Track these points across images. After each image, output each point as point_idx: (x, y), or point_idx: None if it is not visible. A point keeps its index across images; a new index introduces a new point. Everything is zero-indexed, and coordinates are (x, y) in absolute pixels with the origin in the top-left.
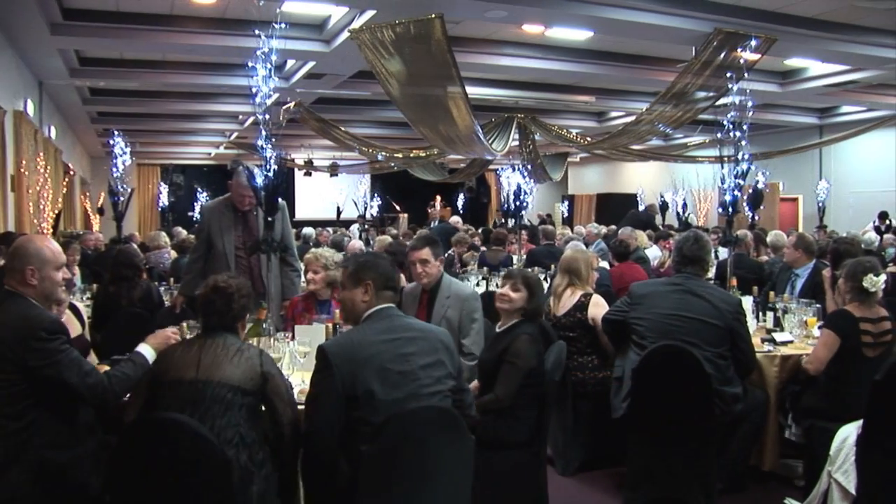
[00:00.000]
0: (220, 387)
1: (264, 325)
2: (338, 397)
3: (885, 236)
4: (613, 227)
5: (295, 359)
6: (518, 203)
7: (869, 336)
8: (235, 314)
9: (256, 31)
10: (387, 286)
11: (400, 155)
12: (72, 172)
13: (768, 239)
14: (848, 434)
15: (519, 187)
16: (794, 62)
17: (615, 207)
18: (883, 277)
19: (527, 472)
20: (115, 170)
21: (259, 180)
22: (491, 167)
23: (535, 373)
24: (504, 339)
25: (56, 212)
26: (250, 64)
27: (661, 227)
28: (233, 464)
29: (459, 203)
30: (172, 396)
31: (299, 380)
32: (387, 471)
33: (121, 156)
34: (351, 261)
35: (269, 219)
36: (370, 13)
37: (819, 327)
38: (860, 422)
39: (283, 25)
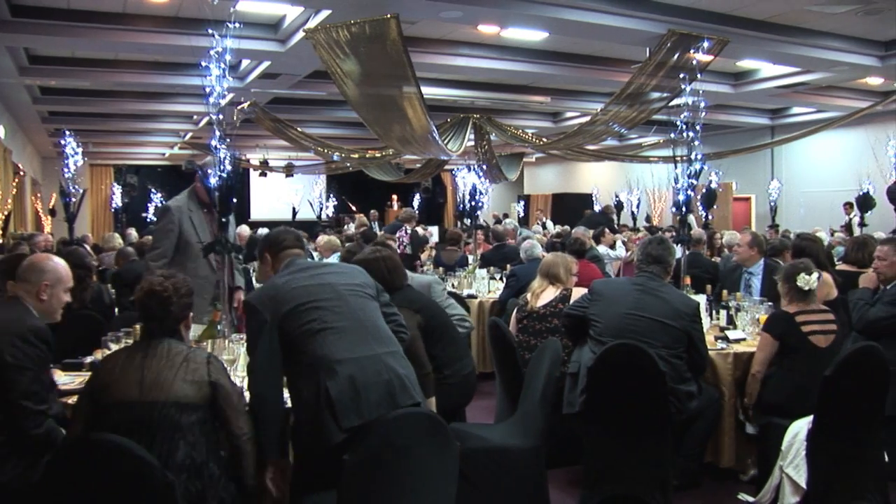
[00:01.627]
0: (167, 407)
1: (218, 328)
2: (272, 335)
3: (836, 234)
4: (567, 227)
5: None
6: (473, 203)
7: (814, 325)
8: (176, 317)
9: (210, 31)
10: (281, 248)
11: (356, 155)
12: (22, 173)
13: (724, 238)
14: (799, 429)
15: (474, 187)
16: (745, 64)
17: (571, 207)
18: (815, 276)
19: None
20: (66, 170)
21: (213, 181)
22: (447, 167)
23: None
24: None
25: (5, 213)
26: (204, 63)
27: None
28: (176, 489)
29: (416, 203)
30: (116, 420)
31: None
32: (369, 479)
33: (72, 156)
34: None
35: (224, 219)
36: (325, 13)
37: None
38: (811, 417)
39: (237, 25)
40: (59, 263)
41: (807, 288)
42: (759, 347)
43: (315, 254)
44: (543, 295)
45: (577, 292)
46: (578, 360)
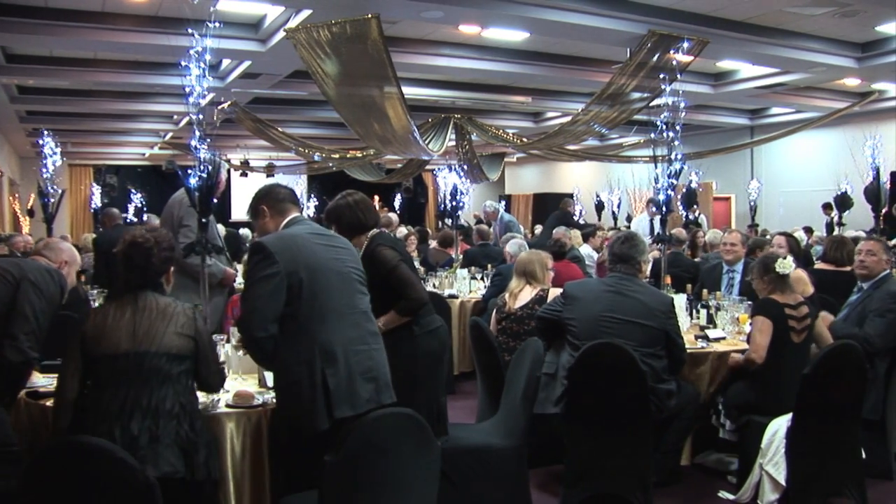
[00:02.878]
0: (158, 357)
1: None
2: (281, 281)
3: (815, 233)
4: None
5: (230, 359)
6: (455, 203)
7: (794, 321)
8: (157, 268)
9: (190, 30)
10: (279, 199)
11: (337, 155)
12: None
13: (707, 237)
14: (779, 427)
15: (455, 187)
16: (725, 64)
17: (552, 207)
18: (791, 259)
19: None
20: (45, 170)
21: (192, 181)
22: (428, 167)
23: None
24: None
25: None
26: (184, 63)
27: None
28: (156, 488)
29: (397, 203)
30: (108, 371)
31: (236, 381)
32: (350, 479)
33: (51, 156)
34: None
35: (204, 220)
36: (306, 13)
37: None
38: (790, 415)
39: (217, 24)
40: (72, 247)
41: (786, 271)
42: (758, 331)
43: None
44: (521, 295)
45: (554, 293)
46: (555, 361)
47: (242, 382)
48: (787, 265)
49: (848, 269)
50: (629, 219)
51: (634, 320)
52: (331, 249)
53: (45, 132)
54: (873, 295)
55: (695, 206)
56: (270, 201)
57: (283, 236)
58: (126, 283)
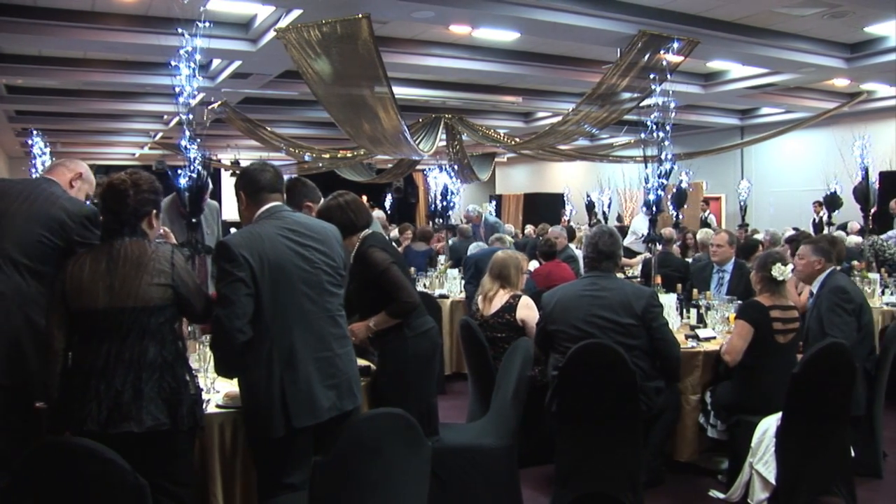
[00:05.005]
0: (136, 312)
1: (189, 328)
2: (247, 282)
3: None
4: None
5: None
6: (445, 203)
7: (779, 323)
8: (134, 210)
9: (180, 30)
10: (258, 188)
11: (327, 155)
12: None
13: (698, 236)
14: (768, 426)
15: (446, 187)
16: (715, 65)
17: (543, 207)
18: (790, 266)
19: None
20: (34, 170)
21: (182, 181)
22: (419, 167)
23: None
24: None
25: None
26: (174, 63)
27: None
28: (146, 488)
29: (387, 203)
30: (88, 326)
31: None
32: (340, 479)
33: (40, 156)
34: None
35: (193, 220)
36: (296, 12)
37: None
38: (779, 414)
39: (207, 24)
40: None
41: (781, 278)
42: (737, 334)
43: None
44: (494, 300)
45: (525, 302)
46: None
47: (232, 383)
48: (785, 272)
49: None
50: (619, 219)
51: (616, 319)
52: (302, 248)
53: (35, 132)
54: (822, 295)
55: (705, 206)
56: (248, 188)
57: (249, 235)
58: (105, 229)
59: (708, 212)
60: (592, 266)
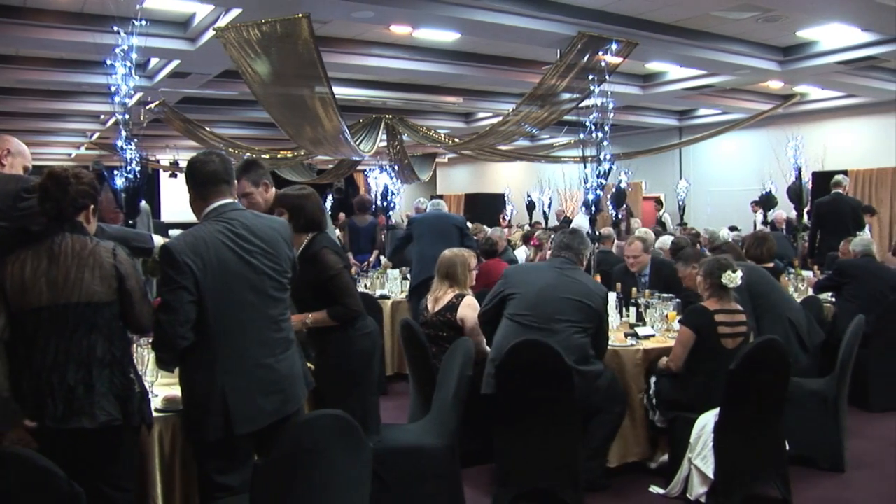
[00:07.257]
0: (81, 307)
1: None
2: (191, 295)
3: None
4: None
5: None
6: (386, 203)
7: (726, 327)
8: (73, 201)
9: (116, 28)
10: (202, 184)
11: (267, 156)
12: None
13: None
14: (707, 422)
15: (387, 188)
16: (654, 66)
17: (483, 207)
18: (739, 273)
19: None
20: None
21: (119, 182)
22: (360, 168)
23: None
24: None
25: None
26: (109, 61)
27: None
28: (82, 497)
29: (328, 203)
30: (34, 325)
31: (167, 387)
32: (281, 481)
33: None
34: None
35: (130, 222)
36: (236, 11)
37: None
38: (717, 410)
39: (143, 22)
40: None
41: (731, 285)
42: (679, 342)
43: None
44: (440, 300)
45: (468, 301)
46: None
47: (170, 387)
48: (735, 279)
49: (770, 265)
50: (567, 220)
51: (574, 298)
52: (246, 254)
53: None
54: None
55: (659, 206)
56: (192, 182)
57: (193, 240)
58: (45, 224)
59: (663, 210)
60: (556, 254)
